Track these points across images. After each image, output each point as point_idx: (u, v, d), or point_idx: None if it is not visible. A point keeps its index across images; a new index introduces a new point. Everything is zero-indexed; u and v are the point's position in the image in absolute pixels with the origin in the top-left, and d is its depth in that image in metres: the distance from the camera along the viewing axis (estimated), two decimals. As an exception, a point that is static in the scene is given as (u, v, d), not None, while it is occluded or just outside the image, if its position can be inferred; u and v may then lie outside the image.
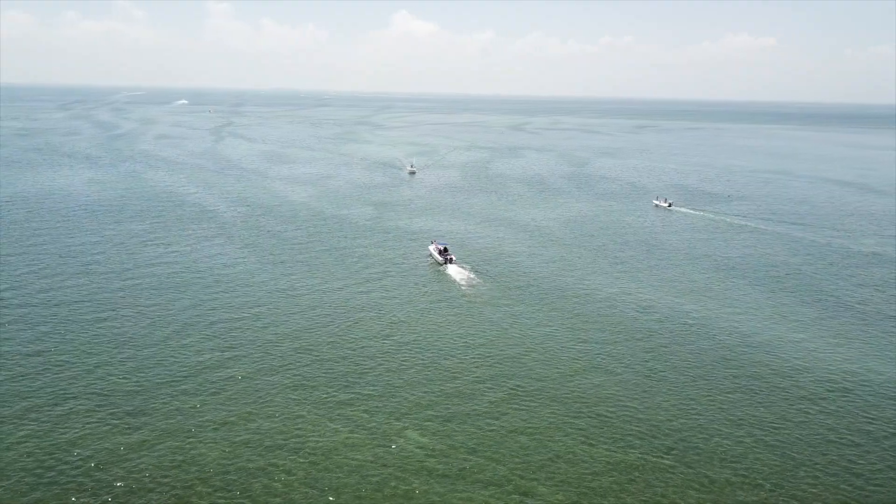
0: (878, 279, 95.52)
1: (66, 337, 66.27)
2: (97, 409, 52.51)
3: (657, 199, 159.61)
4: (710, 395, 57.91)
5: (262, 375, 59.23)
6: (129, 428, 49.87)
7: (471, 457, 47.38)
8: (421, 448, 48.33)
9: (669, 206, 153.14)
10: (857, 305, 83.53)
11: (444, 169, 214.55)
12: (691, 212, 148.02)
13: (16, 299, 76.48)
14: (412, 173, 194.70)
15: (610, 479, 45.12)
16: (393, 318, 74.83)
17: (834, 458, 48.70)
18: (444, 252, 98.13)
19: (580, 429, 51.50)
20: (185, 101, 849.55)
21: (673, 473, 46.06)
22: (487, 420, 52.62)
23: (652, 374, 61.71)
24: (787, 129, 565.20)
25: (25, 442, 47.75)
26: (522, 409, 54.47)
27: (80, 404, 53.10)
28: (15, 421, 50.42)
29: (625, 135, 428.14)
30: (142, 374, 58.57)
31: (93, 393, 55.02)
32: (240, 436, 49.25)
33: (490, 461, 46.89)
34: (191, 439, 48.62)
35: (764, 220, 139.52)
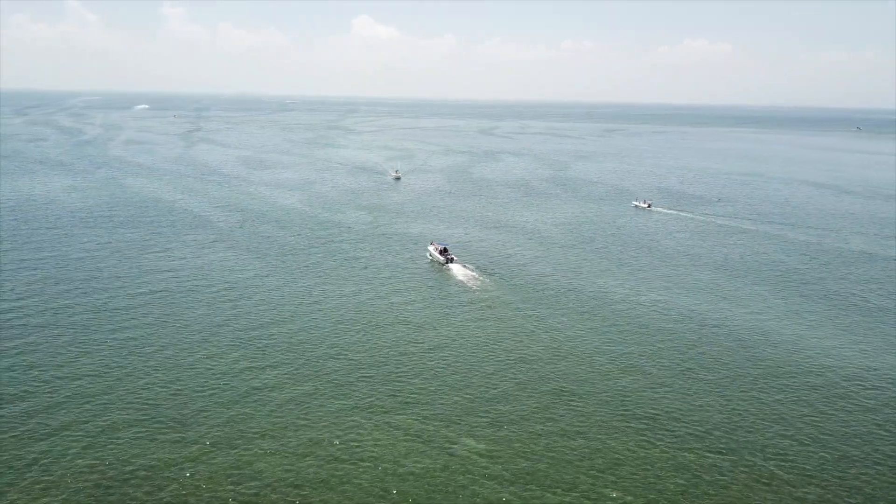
0: (875, 277, 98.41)
1: (93, 350, 64.18)
2: (143, 423, 50.97)
3: (637, 201, 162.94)
4: (747, 393, 58.82)
5: (304, 384, 58.22)
6: (178, 442, 48.48)
7: (532, 461, 47.29)
8: (479, 453, 48.05)
9: (649, 206, 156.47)
10: (862, 303, 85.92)
11: (428, 173, 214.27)
12: (670, 212, 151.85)
13: (30, 310, 73.80)
14: (397, 178, 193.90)
15: (677, 481, 45.47)
16: (417, 322, 74.35)
17: (885, 449, 49.88)
18: (444, 252, 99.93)
19: (635, 430, 51.82)
20: (147, 106, 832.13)
21: (733, 472, 46.65)
22: (538, 424, 52.58)
23: (687, 374, 62.43)
24: (749, 132, 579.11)
25: (81, 457, 46.06)
26: (570, 412, 54.58)
27: (125, 417, 51.47)
28: (66, 434, 48.61)
29: (594, 138, 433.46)
30: (182, 387, 57.07)
31: (137, 408, 53.38)
32: (295, 446, 48.29)
33: (553, 465, 46.85)
34: (245, 452, 47.50)
35: (750, 220, 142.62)
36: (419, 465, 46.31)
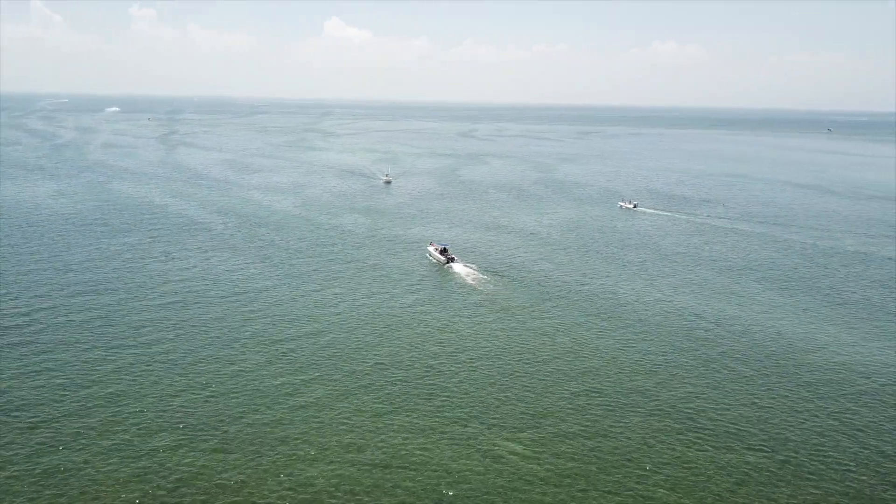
0: (876, 276, 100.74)
1: (118, 360, 63.06)
2: (181, 432, 50.28)
3: (622, 201, 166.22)
4: (773, 391, 59.91)
5: (338, 391, 57.94)
6: (221, 451, 47.92)
7: (575, 462, 47.66)
8: (523, 455, 48.30)
9: (634, 207, 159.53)
10: (866, 301, 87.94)
11: (417, 176, 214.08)
12: (655, 212, 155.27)
13: (45, 320, 72.24)
14: (388, 182, 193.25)
15: (726, 480, 46.10)
16: (436, 324, 74.39)
17: (914, 446, 51.15)
18: (444, 252, 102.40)
19: (673, 430, 52.45)
20: (117, 109, 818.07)
21: (778, 471, 47.46)
22: (575, 425, 52.96)
23: (711, 373, 63.34)
24: (724, 134, 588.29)
25: (124, 468, 45.23)
26: (605, 412, 55.05)
27: (162, 427, 50.68)
28: (107, 445, 47.71)
29: (573, 140, 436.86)
30: (213, 395, 56.40)
31: (173, 418, 52.64)
32: (341, 453, 48.04)
33: (597, 466, 47.24)
34: (291, 459, 47.09)
35: (741, 221, 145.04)
36: (466, 469, 46.35)
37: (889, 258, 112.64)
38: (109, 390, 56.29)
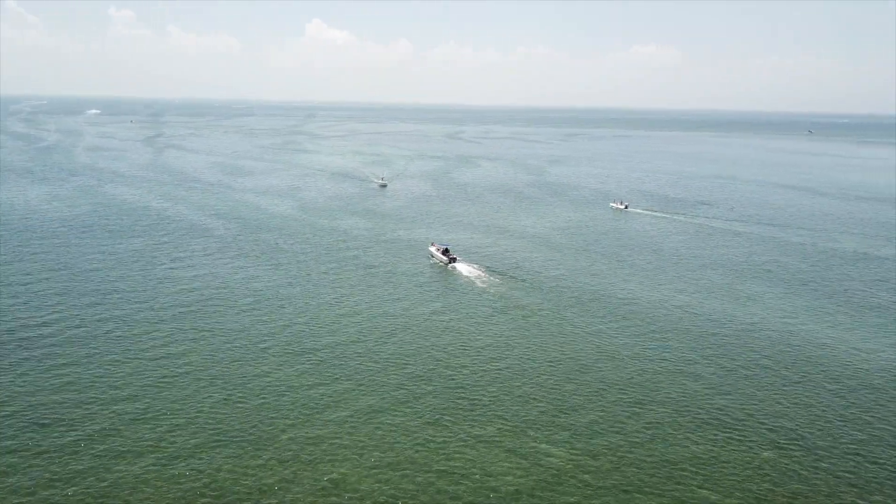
0: (879, 276, 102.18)
1: (141, 367, 62.30)
2: (218, 442, 49.80)
3: (614, 202, 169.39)
4: (799, 393, 60.50)
5: (371, 399, 57.72)
6: (260, 459, 47.53)
7: (618, 466, 47.82)
8: (565, 461, 48.34)
9: (626, 207, 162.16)
10: (875, 301, 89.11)
11: (412, 180, 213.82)
12: (647, 213, 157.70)
13: (60, 326, 71.21)
14: (383, 185, 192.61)
15: (764, 481, 46.51)
16: (459, 332, 74.19)
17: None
18: (446, 252, 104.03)
19: (708, 433, 52.80)
20: (98, 111, 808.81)
21: (816, 471, 47.97)
22: (612, 429, 53.15)
23: (736, 375, 63.87)
24: (708, 136, 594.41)
25: (164, 478, 44.67)
26: (637, 416, 55.30)
27: (199, 436, 50.14)
28: (145, 456, 47.09)
29: (561, 143, 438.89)
30: (245, 403, 55.97)
31: (207, 427, 52.12)
32: (383, 461, 47.83)
33: (641, 470, 47.43)
34: (334, 467, 46.83)
35: (738, 222, 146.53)
36: (511, 476, 46.32)
37: (886, 258, 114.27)
38: (140, 403, 55.56)
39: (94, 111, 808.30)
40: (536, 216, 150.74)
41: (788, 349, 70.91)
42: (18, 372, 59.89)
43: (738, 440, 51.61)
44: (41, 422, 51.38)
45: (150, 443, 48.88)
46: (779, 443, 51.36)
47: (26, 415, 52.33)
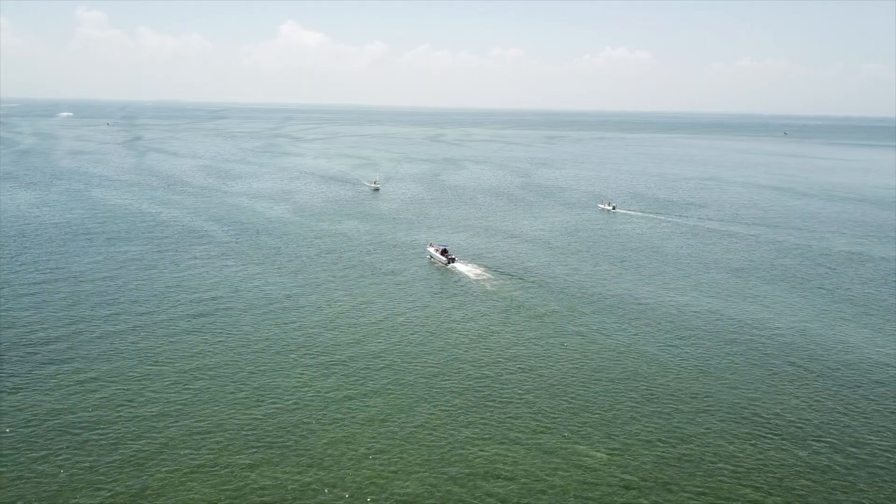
0: (881, 277, 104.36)
1: (168, 376, 61.42)
2: (262, 453, 49.28)
3: (601, 203, 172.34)
4: (827, 390, 61.55)
5: (406, 405, 57.54)
6: (306, 467, 47.16)
7: (659, 466, 48.25)
8: (606, 464, 48.66)
9: (613, 208, 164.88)
10: (886, 303, 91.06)
11: (403, 182, 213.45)
12: (634, 214, 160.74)
13: (79, 336, 69.91)
14: (376, 189, 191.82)
15: (804, 477, 47.29)
16: (476, 332, 74.28)
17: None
18: (444, 253, 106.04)
19: (742, 432, 53.52)
20: (70, 114, 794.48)
21: (854, 469, 48.90)
22: (647, 430, 53.59)
23: (759, 374, 64.79)
24: (685, 138, 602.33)
25: (215, 495, 44.13)
26: (668, 415, 55.86)
27: (244, 449, 49.59)
28: (193, 473, 46.45)
29: (542, 145, 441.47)
30: (282, 412, 55.45)
31: (249, 438, 51.53)
32: (427, 466, 47.74)
33: (683, 471, 47.92)
34: (377, 475, 46.63)
35: (726, 223, 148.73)
36: (555, 477, 46.53)
37: (883, 258, 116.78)
38: (170, 409, 54.82)
39: (66, 114, 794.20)
40: (528, 217, 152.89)
41: (806, 348, 72.12)
42: (51, 385, 58.72)
43: (772, 437, 52.40)
44: (80, 435, 50.43)
45: (190, 450, 48.25)
46: (813, 440, 52.25)
47: (61, 425, 51.35)
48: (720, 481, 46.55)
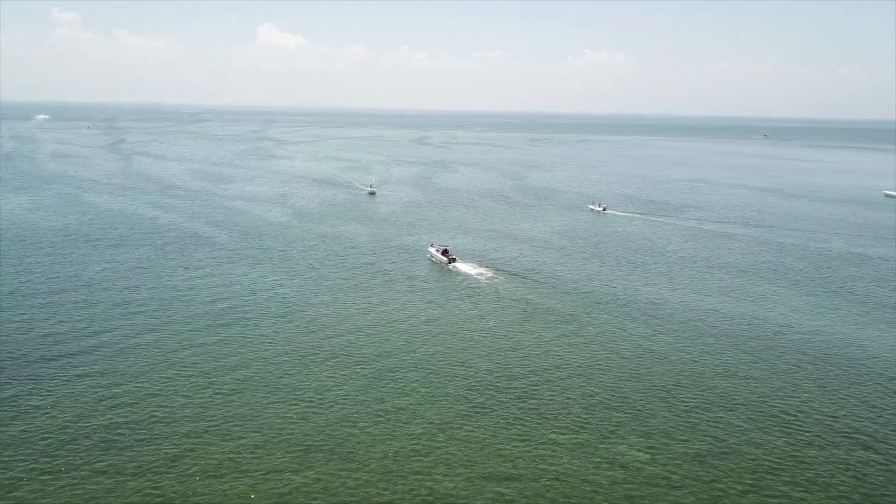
0: (880, 275, 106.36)
1: (205, 389, 60.94)
2: (303, 459, 49.11)
3: (592, 204, 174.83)
4: (847, 388, 62.62)
5: (446, 408, 57.72)
6: (360, 475, 47.13)
7: (703, 468, 48.79)
8: (646, 463, 49.11)
9: (604, 210, 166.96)
10: (882, 300, 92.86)
11: (397, 186, 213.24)
12: (625, 215, 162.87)
13: (106, 347, 69.10)
14: (372, 193, 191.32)
15: (845, 476, 48.12)
16: (499, 332, 74.61)
17: None
18: (445, 253, 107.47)
19: (774, 432, 54.30)
20: (47, 117, 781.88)
21: (892, 467, 49.83)
22: (679, 430, 54.19)
23: (779, 373, 65.80)
24: (667, 140, 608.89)
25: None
26: (704, 416, 56.52)
27: (288, 456, 49.40)
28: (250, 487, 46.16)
29: (528, 148, 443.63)
30: (319, 419, 55.28)
31: (292, 445, 51.37)
32: (481, 471, 47.94)
33: (727, 469, 48.54)
34: (439, 483, 46.71)
35: (718, 223, 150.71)
36: (606, 480, 46.87)
37: (881, 258, 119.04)
38: (206, 416, 54.47)
39: (43, 116, 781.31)
40: (523, 218, 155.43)
41: (822, 346, 73.29)
42: (82, 391, 58.05)
43: (811, 437, 53.24)
44: (119, 442, 49.93)
45: (231, 455, 47.99)
46: (852, 439, 53.16)
47: (98, 434, 50.77)
48: (757, 477, 47.23)
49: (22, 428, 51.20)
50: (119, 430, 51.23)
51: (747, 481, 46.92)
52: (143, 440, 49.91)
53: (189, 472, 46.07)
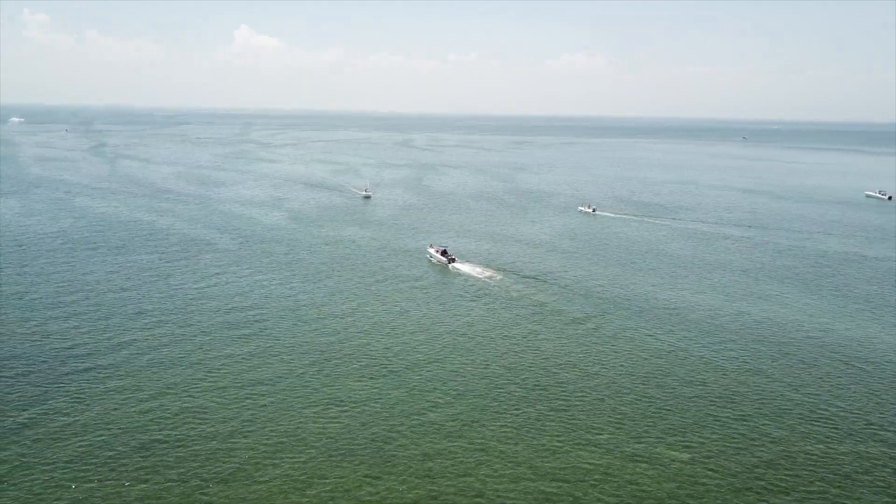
0: (880, 275, 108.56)
1: (244, 398, 60.53)
2: (343, 466, 49.09)
3: (583, 206, 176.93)
4: (862, 384, 63.93)
5: (479, 411, 58.03)
6: (404, 478, 47.25)
7: (742, 466, 49.59)
8: (688, 464, 49.81)
9: (594, 211, 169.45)
10: (885, 299, 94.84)
11: (391, 189, 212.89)
12: (615, 216, 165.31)
13: (129, 355, 68.32)
14: (367, 197, 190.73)
15: (882, 472, 49.22)
16: (522, 336, 75.01)
17: None
18: (444, 253, 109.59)
19: (808, 429, 55.33)
20: (22, 119, 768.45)
21: (915, 458, 51.04)
22: (718, 430, 54.98)
23: (799, 373, 66.98)
24: (650, 142, 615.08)
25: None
26: (741, 417, 57.37)
27: (328, 462, 49.33)
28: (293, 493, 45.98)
29: (513, 150, 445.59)
30: (375, 427, 55.22)
31: (330, 451, 51.31)
32: (521, 473, 48.29)
33: (769, 468, 49.35)
34: (487, 485, 46.95)
35: (710, 224, 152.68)
36: (647, 479, 47.43)
37: (876, 257, 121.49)
38: (242, 423, 54.21)
39: (17, 119, 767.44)
40: (516, 219, 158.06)
41: (841, 345, 74.63)
42: (114, 398, 57.40)
43: (841, 434, 54.30)
44: (155, 453, 49.50)
45: (271, 463, 47.83)
46: (885, 439, 54.33)
47: (133, 443, 50.30)
48: (797, 472, 48.14)
49: (58, 438, 50.60)
50: (151, 438, 50.82)
51: (784, 482, 47.70)
52: (173, 445, 49.52)
53: (231, 478, 45.81)
